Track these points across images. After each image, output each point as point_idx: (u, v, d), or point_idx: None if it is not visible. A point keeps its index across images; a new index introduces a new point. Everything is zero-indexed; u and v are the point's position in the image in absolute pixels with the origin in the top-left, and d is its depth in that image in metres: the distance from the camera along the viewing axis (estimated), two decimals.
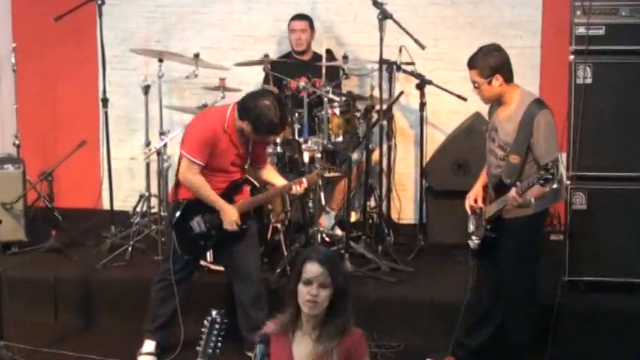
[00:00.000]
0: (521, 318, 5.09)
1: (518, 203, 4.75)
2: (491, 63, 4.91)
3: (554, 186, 4.60)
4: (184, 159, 5.19)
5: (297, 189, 5.38)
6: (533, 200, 4.75)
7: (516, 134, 4.88)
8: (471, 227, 5.20)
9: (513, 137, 4.89)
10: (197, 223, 5.24)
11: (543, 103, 4.95)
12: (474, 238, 5.17)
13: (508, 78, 4.94)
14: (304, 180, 5.42)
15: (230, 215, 5.24)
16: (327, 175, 5.70)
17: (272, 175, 5.51)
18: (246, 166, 5.39)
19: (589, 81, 5.63)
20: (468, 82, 5.09)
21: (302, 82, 6.58)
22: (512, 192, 4.74)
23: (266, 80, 7.13)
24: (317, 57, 7.11)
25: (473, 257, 5.28)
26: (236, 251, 5.37)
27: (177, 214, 5.26)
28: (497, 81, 4.91)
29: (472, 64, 4.98)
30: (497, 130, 5.02)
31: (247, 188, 5.39)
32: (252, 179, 5.46)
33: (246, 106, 5.12)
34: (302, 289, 3.74)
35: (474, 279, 5.32)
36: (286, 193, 5.60)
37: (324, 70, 6.65)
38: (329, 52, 7.07)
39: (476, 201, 5.16)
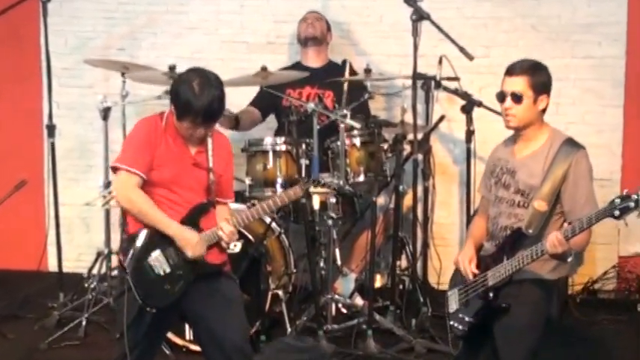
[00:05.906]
0: None
1: (561, 250, 4.82)
2: (544, 78, 5.13)
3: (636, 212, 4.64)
4: (119, 172, 5.25)
5: (223, 236, 5.31)
6: (573, 253, 4.89)
7: (545, 175, 5.04)
8: (454, 305, 5.29)
9: (540, 179, 5.06)
10: (156, 261, 5.24)
11: (578, 142, 5.12)
12: (463, 317, 5.24)
13: (546, 108, 5.15)
14: (222, 225, 5.29)
15: (188, 240, 5.23)
16: (313, 190, 5.57)
17: (223, 216, 5.46)
18: (212, 187, 5.41)
19: None
20: None
21: (311, 104, 6.56)
22: (558, 234, 4.81)
23: (261, 98, 7.28)
24: (333, 66, 7.29)
25: (462, 343, 5.41)
26: (211, 320, 5.31)
27: (132, 251, 5.22)
28: (542, 102, 5.11)
29: (522, 69, 5.14)
30: (514, 172, 5.18)
31: (214, 212, 5.47)
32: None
33: (170, 89, 5.35)
34: None
35: None
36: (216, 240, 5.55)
37: (346, 83, 6.79)
38: (346, 63, 7.21)
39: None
